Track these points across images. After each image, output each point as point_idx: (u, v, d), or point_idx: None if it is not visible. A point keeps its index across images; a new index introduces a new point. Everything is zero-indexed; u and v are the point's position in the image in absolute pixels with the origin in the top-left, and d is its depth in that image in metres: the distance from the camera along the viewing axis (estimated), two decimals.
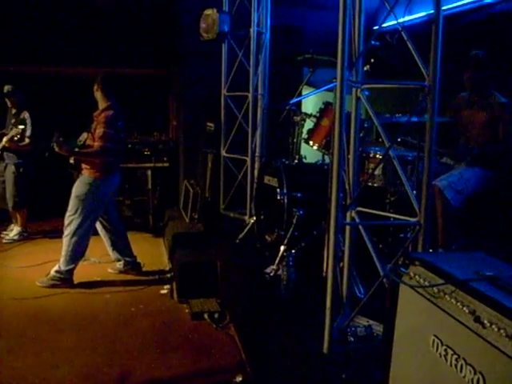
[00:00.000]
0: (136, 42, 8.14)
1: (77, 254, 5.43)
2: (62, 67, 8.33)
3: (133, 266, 5.83)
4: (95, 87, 5.43)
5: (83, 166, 5.39)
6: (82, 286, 5.45)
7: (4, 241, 7.07)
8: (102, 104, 5.43)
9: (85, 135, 5.47)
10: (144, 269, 5.94)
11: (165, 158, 7.70)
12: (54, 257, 6.21)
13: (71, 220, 5.38)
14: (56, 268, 5.42)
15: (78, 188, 5.38)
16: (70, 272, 5.44)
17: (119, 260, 5.84)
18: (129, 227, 6.74)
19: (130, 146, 7.52)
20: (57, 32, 7.87)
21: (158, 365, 3.90)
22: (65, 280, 5.40)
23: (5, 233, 7.25)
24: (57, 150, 5.25)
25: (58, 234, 7.39)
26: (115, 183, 5.58)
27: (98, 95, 5.43)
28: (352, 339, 3.08)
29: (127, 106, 5.76)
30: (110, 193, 5.57)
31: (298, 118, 4.87)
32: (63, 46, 7.85)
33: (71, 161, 5.46)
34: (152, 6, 8.09)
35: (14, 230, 7.18)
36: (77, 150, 5.40)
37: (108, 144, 5.25)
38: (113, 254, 5.83)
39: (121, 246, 5.79)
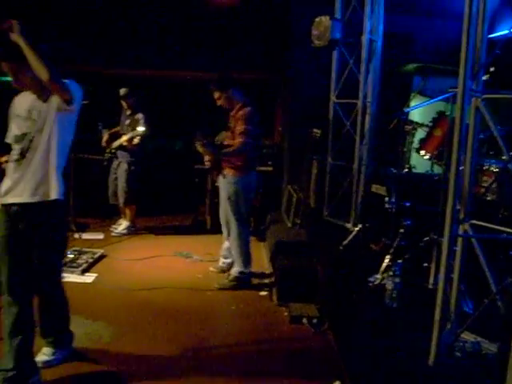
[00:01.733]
0: (246, 46, 8.29)
1: (247, 252, 5.53)
2: (176, 71, 8.64)
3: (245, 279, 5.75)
4: (218, 93, 5.38)
5: (225, 166, 5.39)
6: (183, 282, 5.58)
7: (113, 234, 7.42)
8: (233, 103, 5.39)
9: (223, 134, 5.54)
10: None
11: (269, 163, 7.78)
12: (158, 252, 6.52)
13: (230, 225, 5.48)
14: (236, 269, 5.51)
15: (226, 189, 5.42)
16: (249, 273, 5.54)
17: (226, 258, 5.87)
18: None
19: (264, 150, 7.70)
20: (171, 37, 8.15)
21: (254, 364, 3.94)
22: (246, 280, 5.50)
23: (114, 226, 7.61)
24: (200, 150, 5.31)
25: (163, 230, 7.75)
26: (254, 181, 5.56)
27: (225, 97, 5.38)
28: (459, 354, 2.99)
29: None
30: (253, 189, 5.59)
31: (410, 128, 4.80)
32: (178, 50, 8.12)
33: (210, 162, 5.48)
34: (266, 12, 8.19)
35: (122, 225, 7.52)
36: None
37: (249, 140, 5.23)
38: (225, 252, 5.87)
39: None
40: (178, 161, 9.21)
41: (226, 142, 5.41)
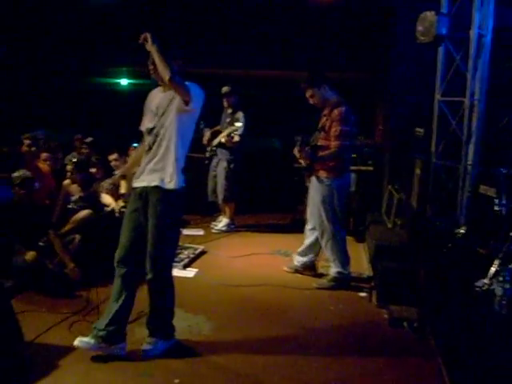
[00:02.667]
0: (346, 45, 8.21)
1: (344, 252, 5.50)
2: (269, 71, 8.71)
3: (310, 266, 5.80)
4: (310, 91, 5.31)
5: (319, 167, 5.32)
6: (282, 280, 5.59)
7: (213, 230, 7.58)
8: (325, 102, 5.29)
9: (316, 135, 5.40)
10: None
11: (369, 162, 7.66)
12: (257, 250, 6.58)
13: (324, 227, 5.39)
14: (335, 270, 5.48)
15: (319, 192, 5.34)
16: (348, 273, 5.52)
17: (304, 256, 5.79)
18: None
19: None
20: (273, 37, 8.22)
21: (353, 367, 3.86)
22: (345, 281, 5.47)
23: (214, 223, 7.76)
24: (297, 155, 5.27)
25: (261, 228, 7.81)
26: (349, 181, 5.55)
27: (317, 95, 5.30)
28: None
29: None
30: (348, 190, 5.55)
31: None
32: (281, 50, 8.17)
33: (304, 163, 5.41)
34: (368, 10, 8.07)
35: (222, 222, 7.65)
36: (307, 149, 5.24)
37: (346, 142, 5.14)
38: (304, 250, 5.79)
39: (317, 247, 5.71)
40: (277, 159, 9.26)
41: (320, 143, 5.30)
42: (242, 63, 8.38)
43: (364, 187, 7.58)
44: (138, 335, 4.10)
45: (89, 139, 8.03)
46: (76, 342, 3.74)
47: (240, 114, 7.32)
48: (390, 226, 6.53)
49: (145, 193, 3.79)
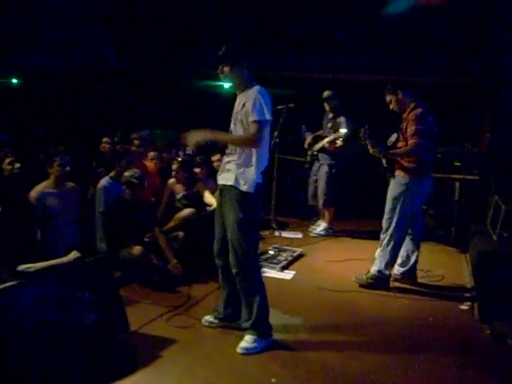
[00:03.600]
0: (451, 50, 8.01)
1: (395, 256, 5.47)
2: (369, 75, 8.65)
3: (409, 275, 5.66)
4: (389, 97, 5.43)
5: (397, 166, 5.36)
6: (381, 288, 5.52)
7: (311, 234, 7.62)
8: (404, 106, 5.35)
9: (395, 136, 5.47)
10: (443, 282, 5.81)
11: (475, 171, 7.40)
12: (355, 255, 6.54)
13: (389, 223, 5.43)
14: (376, 268, 5.47)
15: (393, 190, 5.40)
16: (389, 274, 5.50)
17: (403, 266, 5.68)
18: (429, 237, 6.82)
19: (439, 155, 7.42)
20: (362, 41, 8.17)
21: (452, 379, 3.75)
22: (383, 281, 5.46)
23: (312, 227, 7.79)
24: (370, 149, 5.34)
25: (359, 234, 7.75)
26: (428, 186, 5.43)
27: (395, 100, 5.39)
28: None
29: (438, 115, 5.61)
30: (424, 195, 5.46)
31: None
32: (380, 55, 8.10)
33: (384, 163, 5.48)
34: (473, 14, 7.84)
35: (320, 226, 7.67)
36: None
37: (421, 140, 5.14)
38: (403, 259, 5.68)
39: (410, 252, 5.63)
40: (378, 165, 9.14)
41: (398, 145, 5.36)
42: (343, 68, 8.39)
43: (468, 197, 7.33)
44: (236, 333, 4.21)
45: None
46: (203, 321, 4.34)
47: (342, 119, 7.30)
48: (495, 237, 6.28)
49: (222, 190, 4.06)
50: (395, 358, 4.02)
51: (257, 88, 3.93)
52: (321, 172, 7.51)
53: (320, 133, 7.65)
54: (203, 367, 3.72)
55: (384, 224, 5.50)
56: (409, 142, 5.21)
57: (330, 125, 7.43)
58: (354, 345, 4.23)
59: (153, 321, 4.40)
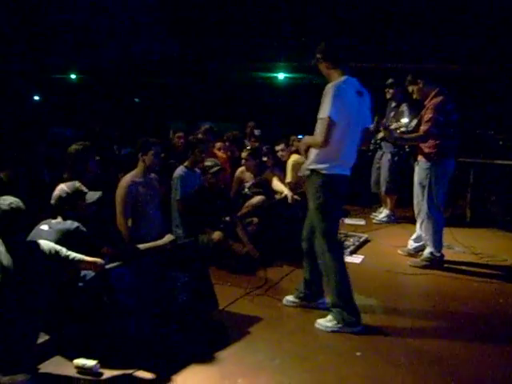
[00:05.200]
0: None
1: (437, 238, 5.71)
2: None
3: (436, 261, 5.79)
4: (411, 87, 5.72)
5: (419, 152, 5.69)
6: (448, 270, 5.69)
7: (374, 221, 7.81)
8: (426, 94, 5.62)
9: (414, 121, 5.84)
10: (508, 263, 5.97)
11: None
12: None
13: (420, 207, 5.75)
14: (428, 250, 5.74)
15: (418, 175, 5.73)
16: (441, 255, 5.73)
17: (416, 242, 6.08)
18: (492, 224, 7.13)
19: (501, 142, 7.51)
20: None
21: None
22: (436, 262, 5.70)
23: (374, 214, 7.98)
24: (382, 133, 5.79)
25: None
26: (451, 168, 5.67)
27: (416, 89, 5.68)
28: None
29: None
30: (447, 176, 5.66)
31: None
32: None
33: (407, 149, 5.90)
34: None
35: (383, 213, 7.84)
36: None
37: (433, 129, 5.44)
38: (415, 237, 6.09)
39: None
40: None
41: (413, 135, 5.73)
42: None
43: None
44: (316, 312, 4.46)
45: (257, 132, 8.56)
46: (284, 301, 4.61)
47: (404, 107, 7.34)
48: None
49: (307, 176, 4.22)
50: (473, 340, 4.14)
51: (332, 83, 4.00)
52: (384, 160, 7.65)
53: (383, 121, 7.75)
54: (290, 342, 3.99)
55: (415, 208, 5.86)
56: (420, 128, 5.55)
57: (392, 114, 7.52)
58: (429, 324, 4.41)
59: (236, 301, 4.69)
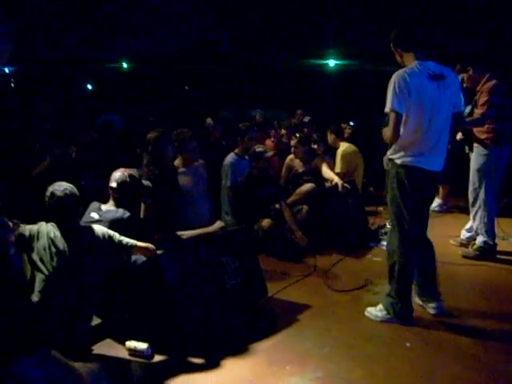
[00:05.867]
0: None
1: (491, 226, 5.59)
2: None
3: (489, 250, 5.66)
4: (462, 75, 5.58)
5: (474, 139, 5.56)
6: (501, 262, 5.56)
7: None
8: (477, 81, 5.50)
9: (469, 107, 5.64)
10: None
11: None
12: None
13: (476, 194, 5.62)
14: (481, 239, 5.62)
15: (474, 162, 5.59)
16: (493, 244, 5.61)
17: (468, 232, 5.99)
18: None
19: None
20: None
21: None
22: (488, 252, 5.58)
23: None
24: None
25: None
26: (507, 154, 5.52)
27: (467, 77, 5.57)
28: None
29: None
30: (504, 163, 5.53)
31: None
32: None
33: (459, 136, 5.72)
34: None
35: (435, 202, 7.69)
36: None
37: (489, 111, 5.32)
38: (468, 226, 6.00)
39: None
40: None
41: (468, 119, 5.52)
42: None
43: None
44: (366, 301, 4.44)
45: (307, 118, 8.52)
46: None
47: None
48: None
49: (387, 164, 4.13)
50: None
51: (397, 72, 3.81)
52: None
53: None
54: (339, 330, 3.99)
55: (470, 196, 5.72)
56: (476, 111, 5.42)
57: None
58: (481, 319, 4.26)
59: (286, 288, 4.71)
